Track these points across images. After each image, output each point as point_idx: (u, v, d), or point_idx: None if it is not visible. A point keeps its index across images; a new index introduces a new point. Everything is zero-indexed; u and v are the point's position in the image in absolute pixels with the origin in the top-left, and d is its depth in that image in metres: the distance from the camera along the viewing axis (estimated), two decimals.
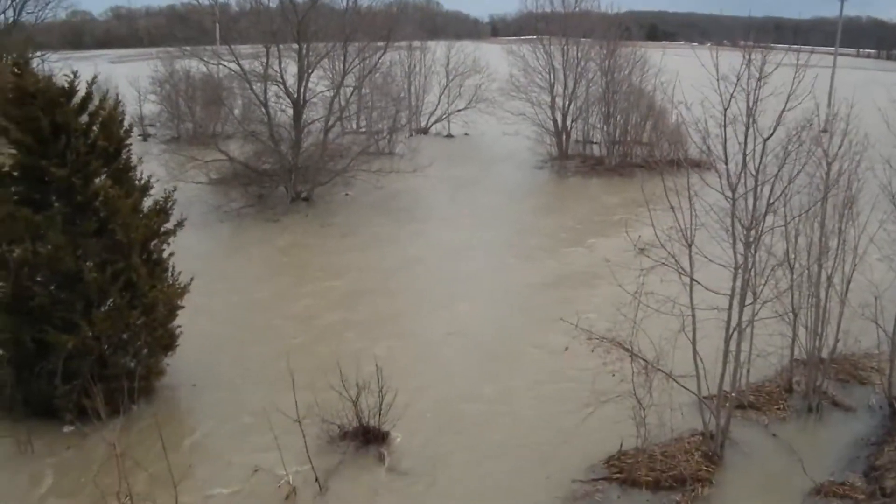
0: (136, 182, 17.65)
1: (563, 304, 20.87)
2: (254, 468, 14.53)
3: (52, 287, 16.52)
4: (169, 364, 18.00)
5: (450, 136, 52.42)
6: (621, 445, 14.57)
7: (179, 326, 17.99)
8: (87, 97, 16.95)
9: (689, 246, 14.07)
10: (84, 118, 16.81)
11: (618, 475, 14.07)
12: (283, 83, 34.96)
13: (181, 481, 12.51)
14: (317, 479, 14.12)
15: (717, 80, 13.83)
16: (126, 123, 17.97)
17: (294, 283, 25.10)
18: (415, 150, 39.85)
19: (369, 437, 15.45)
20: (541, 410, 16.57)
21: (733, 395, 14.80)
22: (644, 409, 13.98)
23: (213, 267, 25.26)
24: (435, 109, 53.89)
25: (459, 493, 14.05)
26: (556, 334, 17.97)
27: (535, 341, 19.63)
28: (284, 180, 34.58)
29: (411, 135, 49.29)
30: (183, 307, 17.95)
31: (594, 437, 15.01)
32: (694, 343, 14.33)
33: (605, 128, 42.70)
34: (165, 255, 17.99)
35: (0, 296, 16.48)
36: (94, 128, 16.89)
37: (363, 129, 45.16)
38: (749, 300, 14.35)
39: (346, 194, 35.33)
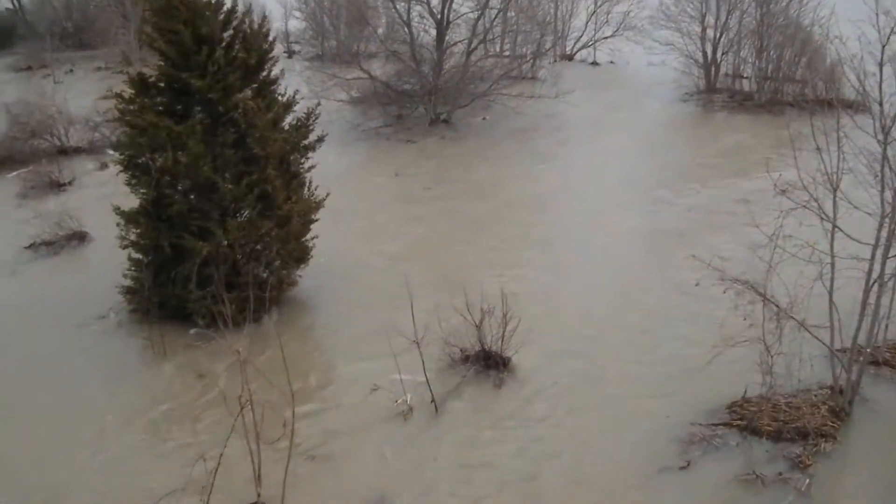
0: (279, 97, 17.89)
1: (694, 243, 20.29)
2: (373, 386, 14.79)
3: (191, 195, 17.08)
4: (301, 276, 18.44)
5: (594, 63, 51.23)
6: (745, 392, 14.13)
7: (315, 237, 18.34)
8: (232, 10, 17.21)
9: (834, 190, 13.38)
10: (228, 32, 17.10)
11: (739, 422, 13.65)
12: (427, 3, 34.74)
13: (300, 392, 12.86)
14: (433, 401, 14.31)
15: (877, 14, 13.01)
16: (271, 38, 18.19)
17: (422, 207, 25.16)
18: (557, 77, 39.10)
19: (490, 363, 15.45)
20: (665, 349, 16.24)
21: (868, 350, 14.12)
22: (772, 357, 13.46)
23: (347, 184, 25.54)
24: (581, 36, 52.76)
25: (576, 425, 13.97)
26: (686, 273, 17.57)
27: (663, 279, 19.14)
28: (424, 101, 34.56)
29: (555, 61, 48.44)
30: (317, 220, 18.28)
31: (718, 380, 14.62)
32: (830, 292, 13.68)
33: (756, 62, 40.89)
34: (304, 169, 18.28)
35: (142, 202, 17.15)
36: (237, 41, 17.16)
37: (506, 53, 44.57)
38: (894, 252, 13.62)
39: (484, 118, 35.07)
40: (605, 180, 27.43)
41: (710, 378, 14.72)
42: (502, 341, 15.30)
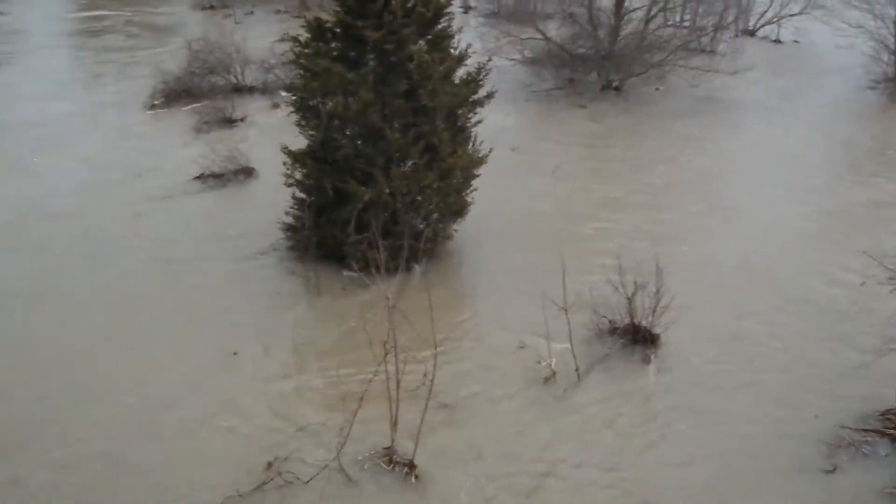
0: (452, 51, 17.84)
1: (857, 239, 19.25)
2: (520, 344, 14.77)
3: (358, 141, 17.30)
4: (457, 230, 18.49)
5: (777, 41, 49.09)
6: None
7: (475, 189, 18.33)
8: None
9: None
10: None
11: (891, 431, 12.86)
12: None
13: (444, 342, 12.88)
14: (577, 368, 14.16)
15: None
16: None
17: (587, 175, 24.74)
18: (737, 52, 37.74)
19: (638, 337, 15.15)
20: (822, 345, 15.51)
21: None
22: None
23: (511, 142, 25.39)
24: (766, 11, 50.62)
25: (717, 410, 13.59)
26: (844, 270, 16.77)
27: (819, 274, 18.21)
28: (597, 67, 33.96)
29: (736, 35, 46.70)
30: (479, 175, 18.22)
31: (873, 385, 13.90)
32: None
33: None
34: (471, 123, 18.22)
35: (310, 143, 17.48)
36: None
37: (685, 24, 43.34)
38: None
39: (657, 88, 34.21)
40: (767, 167, 26.08)
41: (866, 382, 14.10)
42: (653, 316, 14.95)
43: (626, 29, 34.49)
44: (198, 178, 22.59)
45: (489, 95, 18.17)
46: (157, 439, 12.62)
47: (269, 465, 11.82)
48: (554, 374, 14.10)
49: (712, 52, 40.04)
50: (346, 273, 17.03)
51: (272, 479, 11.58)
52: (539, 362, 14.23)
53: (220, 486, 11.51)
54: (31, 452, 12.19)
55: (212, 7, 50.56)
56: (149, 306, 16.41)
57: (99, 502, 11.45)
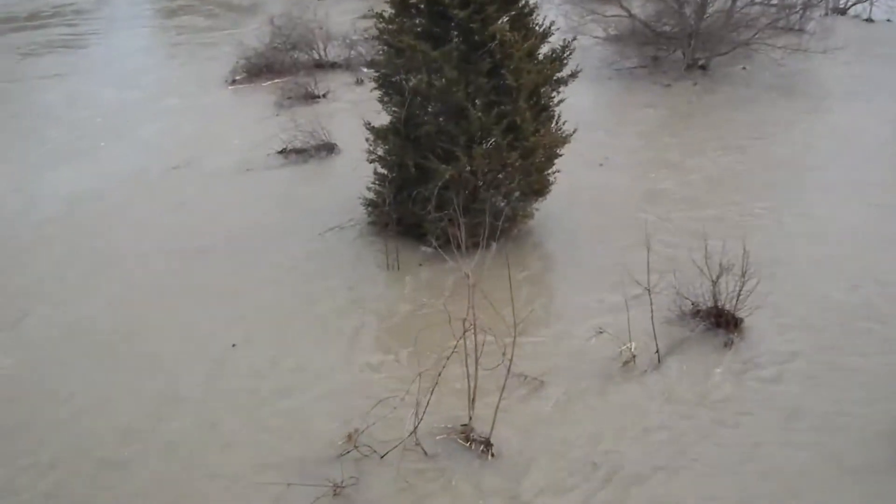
0: (535, 27, 17.69)
1: None
2: (598, 329, 14.62)
3: (441, 119, 17.28)
4: (538, 210, 18.40)
5: (869, 20, 47.51)
6: None
7: (557, 171, 18.21)
8: None
9: None
10: None
11: None
12: None
13: (522, 322, 12.82)
14: (657, 351, 14.03)
15: None
16: None
17: (668, 155, 24.24)
18: (827, 31, 36.71)
19: (721, 321, 14.88)
20: None
21: None
22: None
23: (593, 121, 25.05)
24: None
25: (799, 394, 13.32)
26: None
27: None
28: (682, 45, 33.32)
29: (826, 13, 45.43)
30: (562, 155, 18.07)
31: None
32: None
33: None
34: (555, 102, 18.07)
35: (392, 120, 17.53)
36: None
37: (774, 1, 42.32)
38: None
39: (744, 68, 33.47)
40: (851, 156, 24.52)
41: None
42: (737, 300, 14.67)
43: (713, 6, 33.77)
44: (280, 152, 22.89)
45: (573, 74, 17.95)
46: (230, 412, 12.98)
47: (350, 436, 11.97)
48: (633, 357, 13.97)
49: (801, 30, 39.01)
50: (423, 249, 17.21)
51: (349, 452, 11.73)
52: (620, 352, 14.06)
53: (293, 457, 11.82)
54: (110, 425, 12.57)
55: None
56: (224, 278, 16.86)
57: (177, 465, 11.81)
